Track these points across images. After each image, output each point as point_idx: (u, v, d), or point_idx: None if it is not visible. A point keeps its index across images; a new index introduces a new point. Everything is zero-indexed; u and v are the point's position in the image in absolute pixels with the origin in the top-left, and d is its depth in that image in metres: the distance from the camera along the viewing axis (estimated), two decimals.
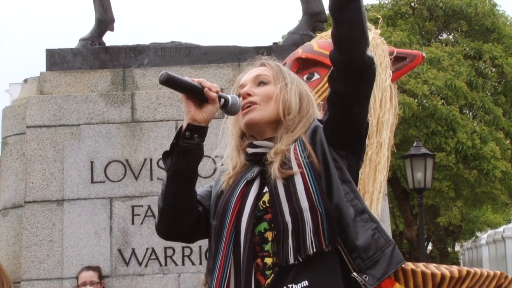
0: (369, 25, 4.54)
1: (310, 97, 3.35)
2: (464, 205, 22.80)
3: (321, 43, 4.41)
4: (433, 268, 4.11)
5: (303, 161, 3.13)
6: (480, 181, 20.45)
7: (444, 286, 3.82)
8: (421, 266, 4.13)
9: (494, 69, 22.32)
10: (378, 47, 4.41)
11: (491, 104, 21.02)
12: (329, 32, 4.71)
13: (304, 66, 4.31)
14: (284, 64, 4.36)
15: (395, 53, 4.54)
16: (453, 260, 29.51)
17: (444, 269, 3.96)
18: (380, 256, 3.10)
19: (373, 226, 3.11)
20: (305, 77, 4.24)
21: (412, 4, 23.84)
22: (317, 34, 5.09)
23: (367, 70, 3.07)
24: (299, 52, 4.43)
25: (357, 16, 3.05)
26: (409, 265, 4.10)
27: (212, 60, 7.77)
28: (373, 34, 4.48)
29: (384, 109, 4.34)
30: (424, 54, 4.88)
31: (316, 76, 4.25)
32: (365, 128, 3.23)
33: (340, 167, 3.16)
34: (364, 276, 3.07)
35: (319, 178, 3.12)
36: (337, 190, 3.12)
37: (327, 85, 4.16)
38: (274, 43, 8.37)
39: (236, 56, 7.81)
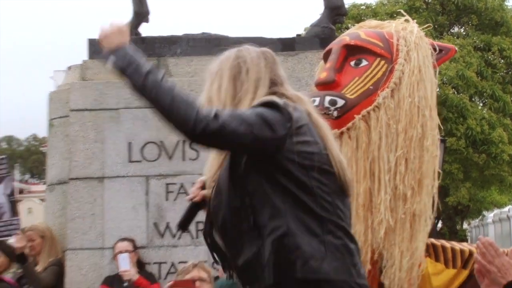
0: (407, 17, 4.50)
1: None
2: (473, 186, 22.85)
3: (368, 32, 4.33)
4: (459, 245, 4.14)
5: None
6: (489, 164, 20.50)
7: (471, 261, 3.84)
8: (451, 243, 4.15)
9: (502, 60, 22.28)
10: (423, 39, 4.33)
11: (500, 92, 21.04)
12: (367, 23, 4.68)
13: (351, 52, 4.21)
14: (329, 50, 4.34)
15: (436, 47, 4.45)
16: (461, 237, 29.48)
17: (470, 246, 3.98)
18: None
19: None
20: (352, 63, 4.17)
21: None
22: (349, 27, 5.01)
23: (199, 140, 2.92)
24: (347, 39, 4.31)
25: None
26: (439, 242, 4.11)
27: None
28: (415, 26, 4.39)
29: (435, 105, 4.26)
30: (456, 48, 4.78)
31: (364, 62, 4.17)
32: (243, 145, 2.92)
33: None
34: None
35: None
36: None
37: (375, 71, 4.19)
38: (297, 35, 8.37)
39: (261, 47, 7.80)
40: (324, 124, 3.11)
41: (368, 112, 4.01)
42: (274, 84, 3.11)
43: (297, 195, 2.91)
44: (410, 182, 4.02)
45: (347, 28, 7.92)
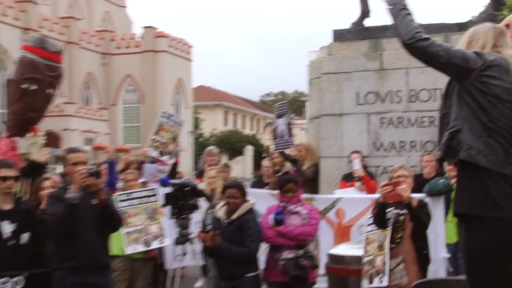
0: None
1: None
2: None
3: None
4: None
5: None
6: None
7: None
8: None
9: None
10: None
11: None
12: None
13: None
14: (507, 24, 4.13)
15: None
16: None
17: None
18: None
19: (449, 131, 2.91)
20: None
21: None
22: (505, 14, 4.72)
23: (407, 48, 2.96)
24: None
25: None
26: None
27: (429, 32, 7.24)
28: None
29: None
30: None
31: None
32: (438, 62, 2.91)
33: None
34: None
35: None
36: None
37: None
38: (469, 20, 7.86)
39: (443, 30, 7.36)
40: None
41: None
42: (495, 47, 3.02)
43: (474, 109, 2.85)
44: None
45: (503, 15, 7.29)
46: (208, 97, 56.36)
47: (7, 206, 4.19)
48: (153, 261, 6.52)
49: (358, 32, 7.76)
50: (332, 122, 7.47)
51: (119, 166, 7.39)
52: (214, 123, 54.57)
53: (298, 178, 5.42)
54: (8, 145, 5.56)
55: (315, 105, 7.80)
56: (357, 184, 6.74)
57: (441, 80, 6.85)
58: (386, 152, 7.26)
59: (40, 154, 5.55)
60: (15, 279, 4.03)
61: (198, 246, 5.60)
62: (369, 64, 7.45)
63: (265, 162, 8.28)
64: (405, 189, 4.60)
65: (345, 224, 6.29)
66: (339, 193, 6.66)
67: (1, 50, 29.56)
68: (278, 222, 5.02)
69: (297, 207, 5.10)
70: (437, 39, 8.30)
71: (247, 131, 58.77)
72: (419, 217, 4.74)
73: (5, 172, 4.18)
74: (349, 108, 7.43)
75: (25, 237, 4.17)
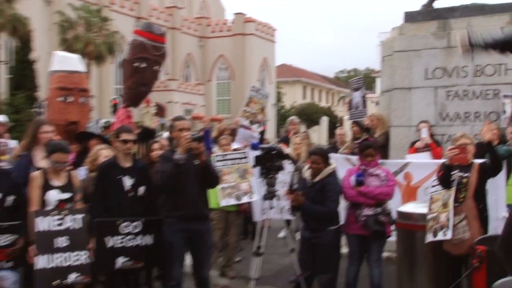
0: None
1: None
2: None
3: None
4: None
5: None
6: None
7: None
8: None
9: None
10: None
11: None
12: None
13: None
14: None
15: None
16: None
17: None
18: None
19: None
20: None
21: None
22: None
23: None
24: None
25: None
26: None
27: (493, 13, 6.91)
28: None
29: None
30: None
31: None
32: None
33: None
34: None
35: None
36: None
37: None
38: None
39: (507, 9, 6.87)
40: None
41: None
42: None
43: None
44: None
45: None
46: (289, 74, 56.13)
47: (127, 164, 4.43)
48: (243, 213, 6.69)
49: (428, 13, 7.41)
50: (402, 95, 7.25)
51: (214, 133, 7.57)
52: (294, 97, 54.45)
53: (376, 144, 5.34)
54: (124, 114, 5.86)
55: (387, 80, 7.57)
56: (418, 143, 6.58)
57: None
58: (452, 122, 6.99)
59: (152, 122, 5.80)
60: (134, 223, 4.29)
61: (282, 201, 5.68)
62: (437, 42, 7.13)
63: (339, 131, 8.21)
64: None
65: (412, 185, 6.16)
66: (409, 158, 6.53)
67: (119, 36, 30.76)
68: (359, 183, 4.99)
69: (376, 170, 5.05)
70: (502, 18, 7.83)
71: (323, 103, 58.20)
72: (498, 157, 4.61)
73: (126, 136, 4.42)
74: (417, 82, 7.17)
75: (141, 190, 4.40)
